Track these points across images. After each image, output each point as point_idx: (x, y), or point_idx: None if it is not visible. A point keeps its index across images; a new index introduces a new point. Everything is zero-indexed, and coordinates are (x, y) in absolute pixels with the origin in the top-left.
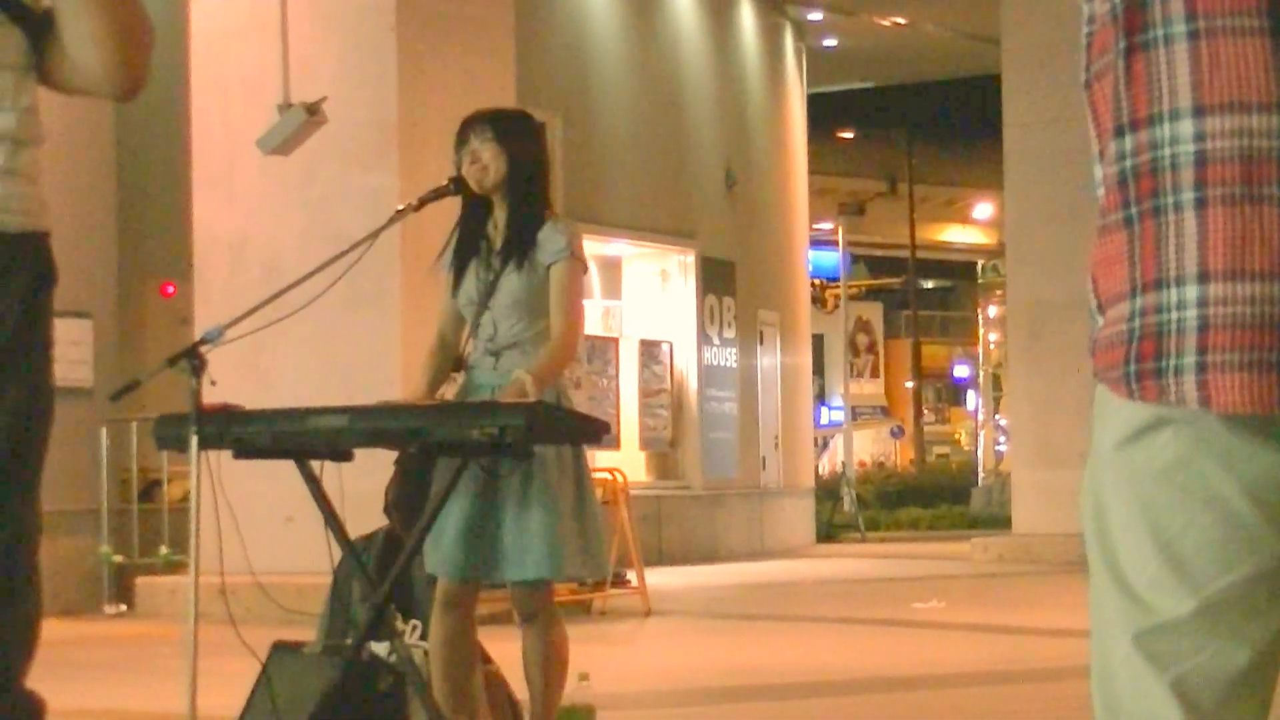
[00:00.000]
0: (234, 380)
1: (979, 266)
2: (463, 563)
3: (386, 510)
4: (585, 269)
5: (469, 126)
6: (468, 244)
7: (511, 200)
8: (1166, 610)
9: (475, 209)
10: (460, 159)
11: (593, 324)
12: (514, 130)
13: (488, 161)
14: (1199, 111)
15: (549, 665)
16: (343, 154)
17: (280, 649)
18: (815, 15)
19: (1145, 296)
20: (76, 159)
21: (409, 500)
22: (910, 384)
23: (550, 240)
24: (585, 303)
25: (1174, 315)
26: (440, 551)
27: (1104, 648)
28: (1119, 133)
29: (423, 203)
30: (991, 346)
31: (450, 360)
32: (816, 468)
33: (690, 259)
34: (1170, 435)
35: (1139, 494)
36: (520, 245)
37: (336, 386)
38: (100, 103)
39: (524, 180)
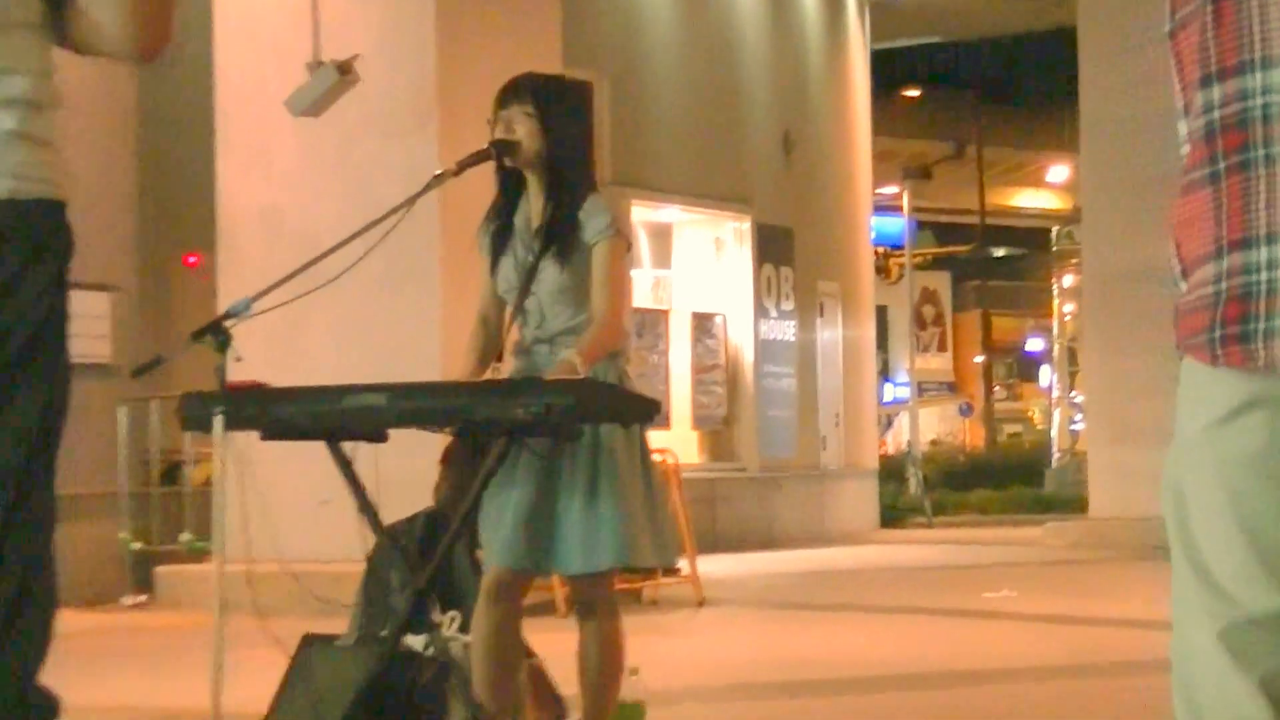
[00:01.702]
0: (263, 357)
1: (1052, 233)
2: (524, 551)
3: (438, 507)
4: (629, 246)
5: (508, 94)
6: (503, 219)
7: (549, 179)
8: (1254, 604)
9: (512, 178)
10: (495, 125)
11: (642, 296)
12: (556, 103)
13: (522, 135)
14: None
15: (607, 660)
16: (379, 121)
17: (311, 641)
18: None
19: (1232, 256)
20: (95, 124)
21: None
22: (980, 359)
23: (592, 219)
24: (635, 273)
25: (1264, 276)
26: (500, 538)
27: (1185, 641)
28: (1205, 83)
29: (462, 167)
30: (1066, 319)
31: (494, 342)
32: (880, 448)
33: (745, 226)
34: (1262, 418)
35: (1226, 480)
36: (561, 228)
37: (371, 368)
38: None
39: (563, 157)
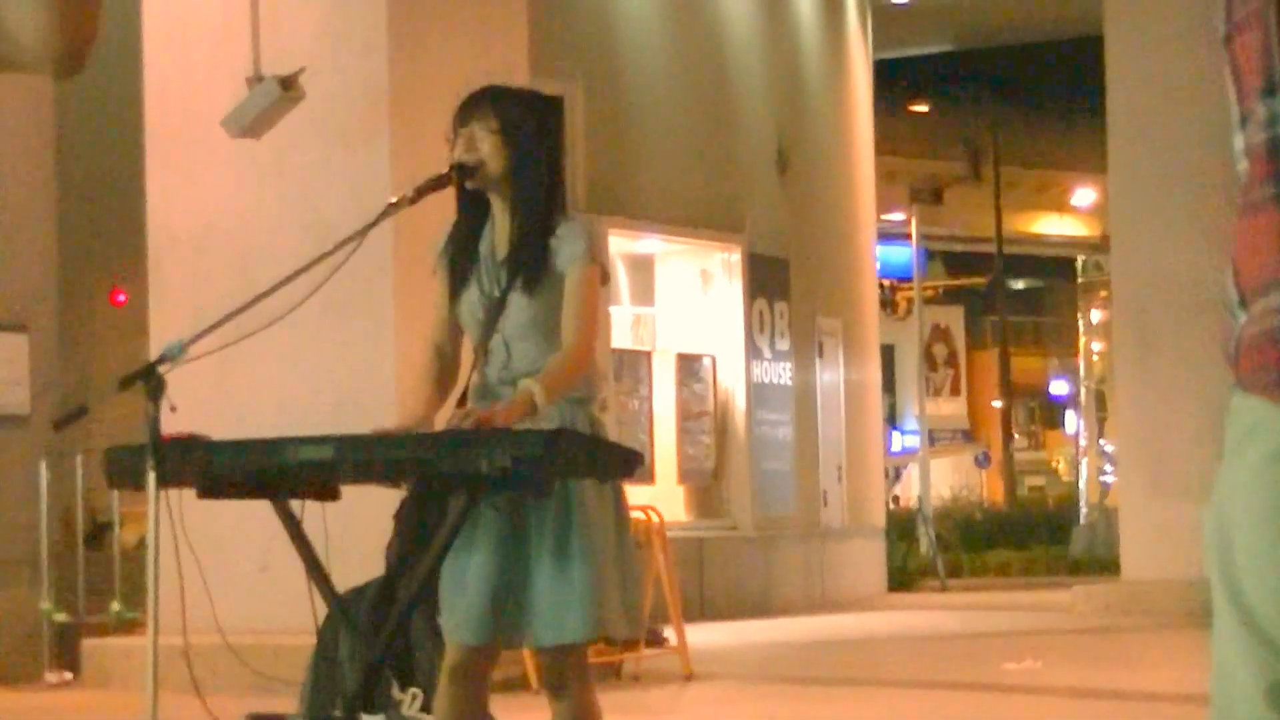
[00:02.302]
0: (199, 404)
1: (1078, 263)
2: (490, 624)
3: (389, 570)
4: (606, 277)
5: (469, 108)
6: (465, 247)
7: (515, 202)
8: None
9: (474, 201)
10: (455, 144)
11: (622, 335)
12: (523, 118)
13: (486, 154)
14: None
15: None
16: (323, 132)
17: None
18: None
19: None
20: (8, 145)
21: (415, 559)
22: (998, 403)
23: (567, 243)
24: (613, 310)
25: None
26: (461, 611)
27: (1228, 701)
28: (1269, 92)
29: (420, 194)
30: (1094, 358)
31: (451, 373)
32: (888, 503)
33: (735, 257)
34: None
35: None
36: (528, 258)
37: (320, 410)
38: (37, 81)
39: (530, 179)
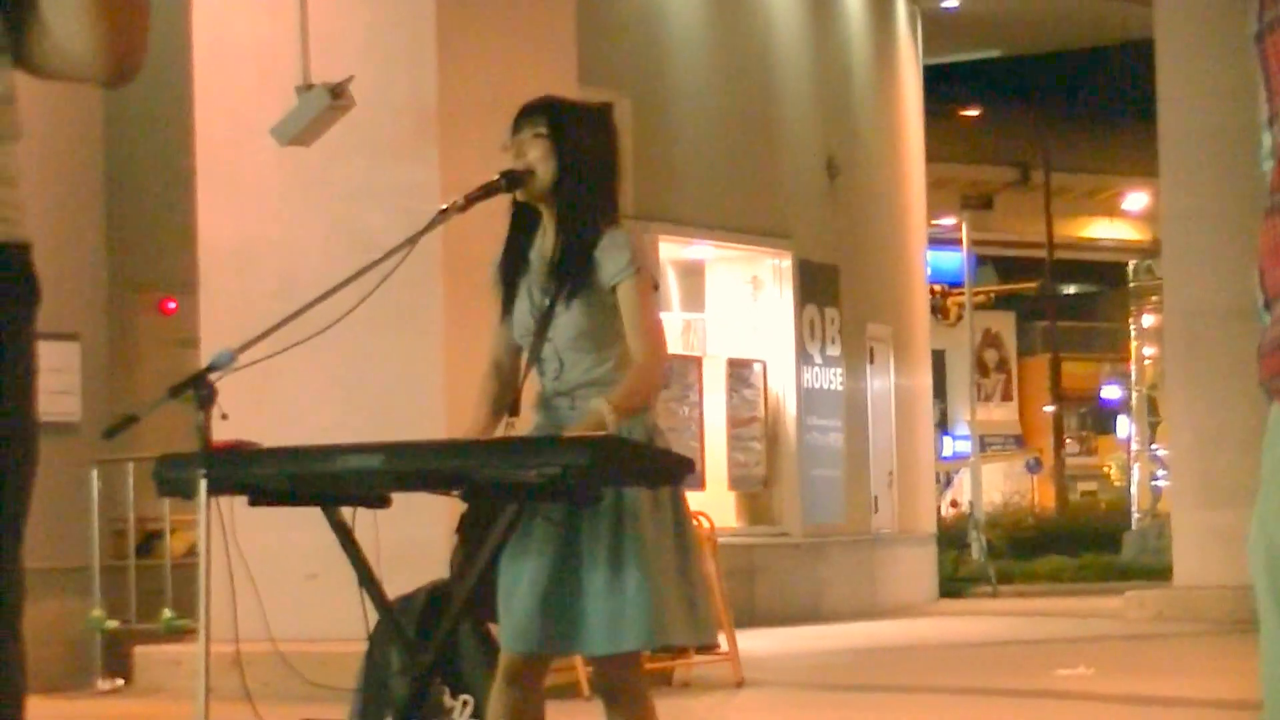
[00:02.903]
0: (248, 413)
1: (1130, 268)
2: (540, 632)
3: (443, 584)
4: (656, 285)
5: (523, 116)
6: (515, 258)
7: (562, 211)
8: None
9: (526, 213)
10: (508, 152)
11: (672, 341)
12: (573, 125)
13: (534, 162)
14: None
15: None
16: (371, 144)
17: None
18: None
19: None
20: (59, 156)
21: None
22: (1049, 408)
23: (609, 256)
24: (663, 316)
25: None
26: (512, 619)
27: (1276, 706)
28: None
29: (470, 202)
30: (1146, 363)
31: (508, 391)
32: (939, 509)
33: (786, 263)
34: None
35: None
36: (574, 268)
37: (368, 421)
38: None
39: (577, 187)
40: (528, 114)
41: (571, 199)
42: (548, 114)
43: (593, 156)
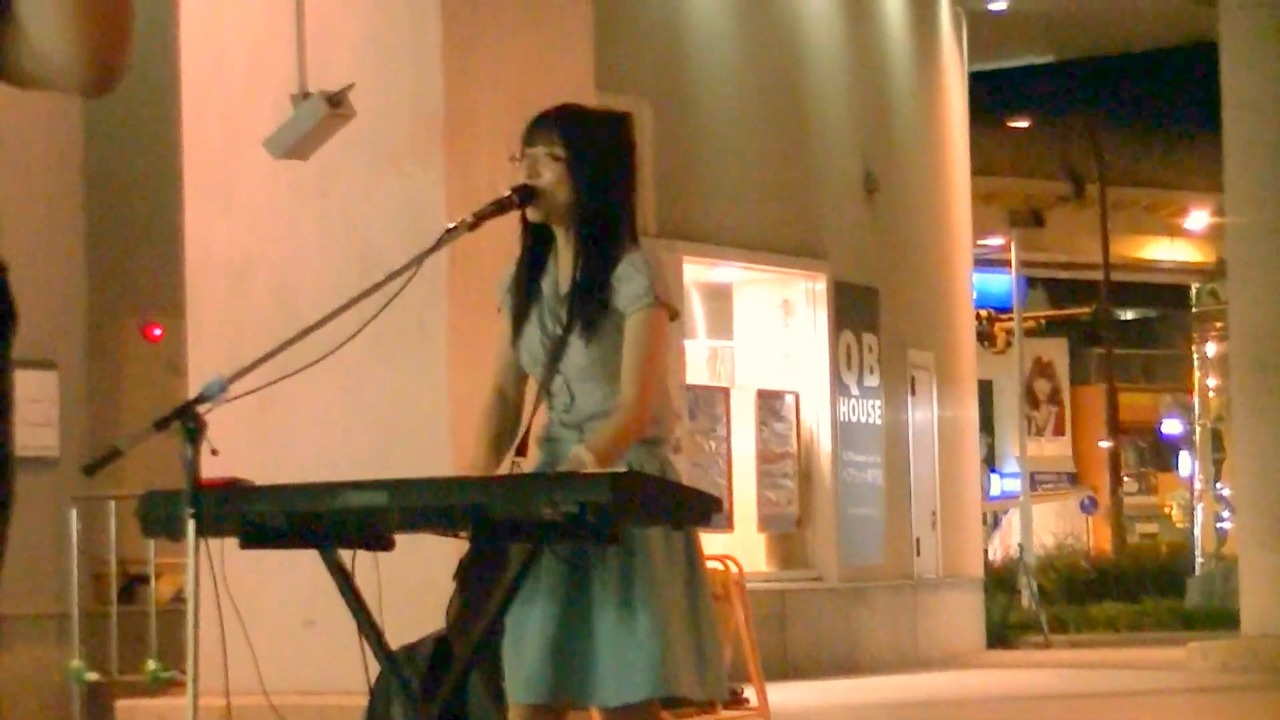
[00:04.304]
0: (239, 446)
1: (1192, 291)
2: (552, 683)
3: (449, 633)
4: (675, 314)
5: (536, 129)
6: (527, 282)
7: (579, 238)
8: None
9: (538, 232)
10: (520, 165)
11: (697, 370)
12: (591, 143)
13: (548, 183)
14: None
15: None
16: (372, 153)
17: None
18: None
19: None
20: (35, 169)
21: (474, 615)
22: (1105, 443)
23: (628, 282)
24: (688, 343)
25: None
26: (521, 671)
27: None
28: None
29: (479, 219)
30: (1210, 394)
31: (513, 423)
32: (986, 552)
33: (820, 285)
34: None
35: None
36: (587, 296)
37: (368, 451)
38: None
39: (595, 211)
40: (541, 127)
41: (590, 226)
42: (562, 129)
43: (612, 176)
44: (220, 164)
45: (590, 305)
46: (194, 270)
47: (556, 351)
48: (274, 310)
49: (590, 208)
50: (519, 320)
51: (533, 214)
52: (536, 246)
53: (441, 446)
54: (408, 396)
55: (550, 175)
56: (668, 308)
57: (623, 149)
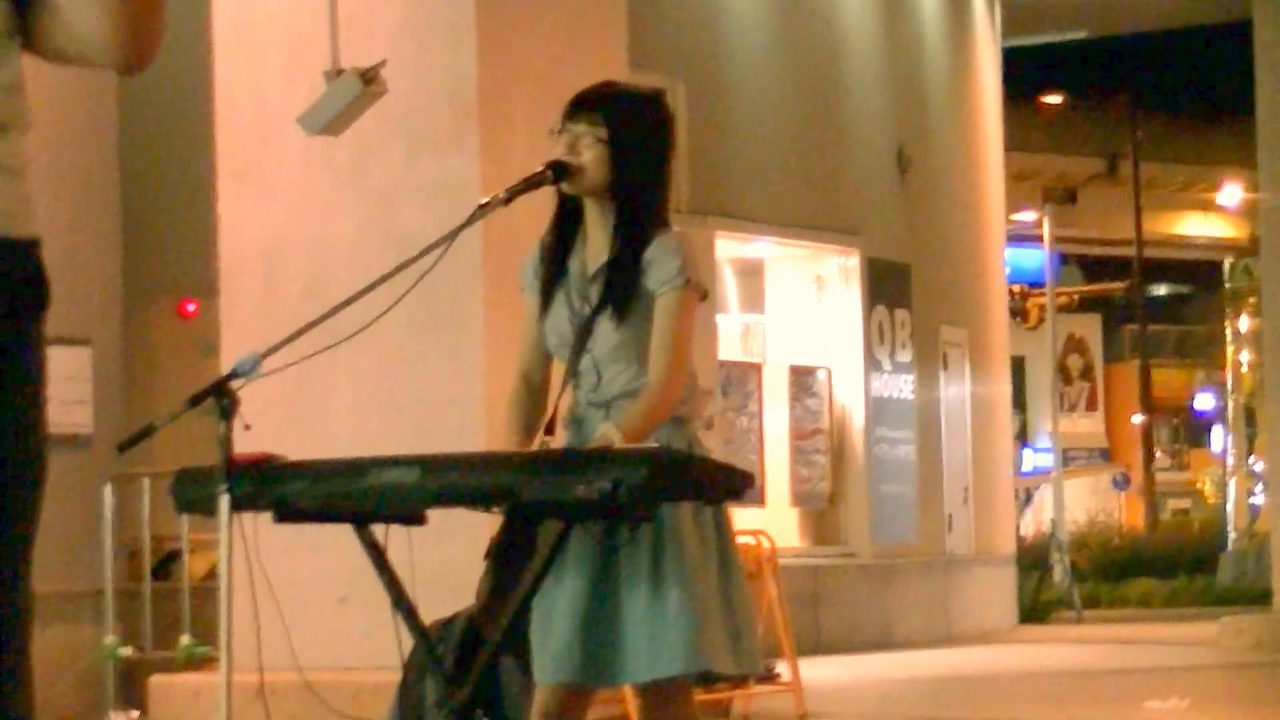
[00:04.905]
0: (273, 424)
1: (1225, 267)
2: (580, 660)
3: (477, 618)
4: (705, 294)
5: (578, 107)
6: (555, 262)
7: (618, 218)
8: None
9: (568, 208)
10: (558, 140)
11: (729, 346)
12: (634, 126)
13: (587, 161)
14: None
15: None
16: (407, 134)
17: None
18: None
19: None
20: (70, 148)
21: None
22: (1138, 419)
23: (659, 263)
24: (720, 319)
25: None
26: (550, 649)
27: None
28: None
29: (513, 195)
30: (1243, 370)
31: (539, 406)
32: (1018, 529)
33: (853, 262)
34: None
35: None
36: (620, 276)
37: (403, 430)
38: (100, 77)
39: (632, 192)
40: (583, 107)
41: (629, 207)
42: (606, 110)
43: (651, 159)
44: (254, 147)
45: (623, 281)
46: (228, 253)
47: (585, 331)
48: (308, 290)
49: (628, 189)
50: (547, 298)
51: (569, 187)
52: (565, 224)
53: (476, 424)
54: (443, 375)
55: (590, 155)
56: (698, 289)
57: (663, 131)
